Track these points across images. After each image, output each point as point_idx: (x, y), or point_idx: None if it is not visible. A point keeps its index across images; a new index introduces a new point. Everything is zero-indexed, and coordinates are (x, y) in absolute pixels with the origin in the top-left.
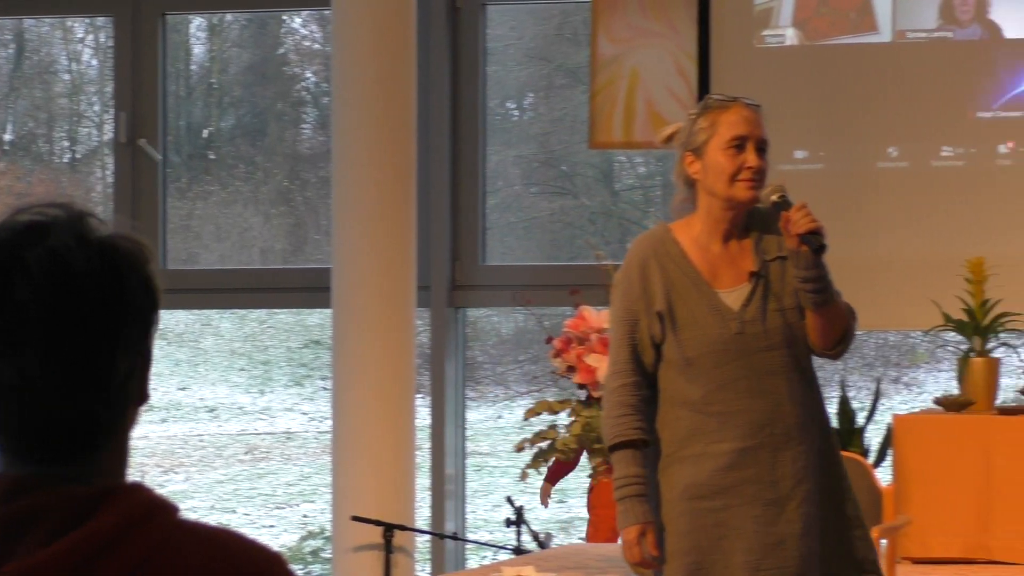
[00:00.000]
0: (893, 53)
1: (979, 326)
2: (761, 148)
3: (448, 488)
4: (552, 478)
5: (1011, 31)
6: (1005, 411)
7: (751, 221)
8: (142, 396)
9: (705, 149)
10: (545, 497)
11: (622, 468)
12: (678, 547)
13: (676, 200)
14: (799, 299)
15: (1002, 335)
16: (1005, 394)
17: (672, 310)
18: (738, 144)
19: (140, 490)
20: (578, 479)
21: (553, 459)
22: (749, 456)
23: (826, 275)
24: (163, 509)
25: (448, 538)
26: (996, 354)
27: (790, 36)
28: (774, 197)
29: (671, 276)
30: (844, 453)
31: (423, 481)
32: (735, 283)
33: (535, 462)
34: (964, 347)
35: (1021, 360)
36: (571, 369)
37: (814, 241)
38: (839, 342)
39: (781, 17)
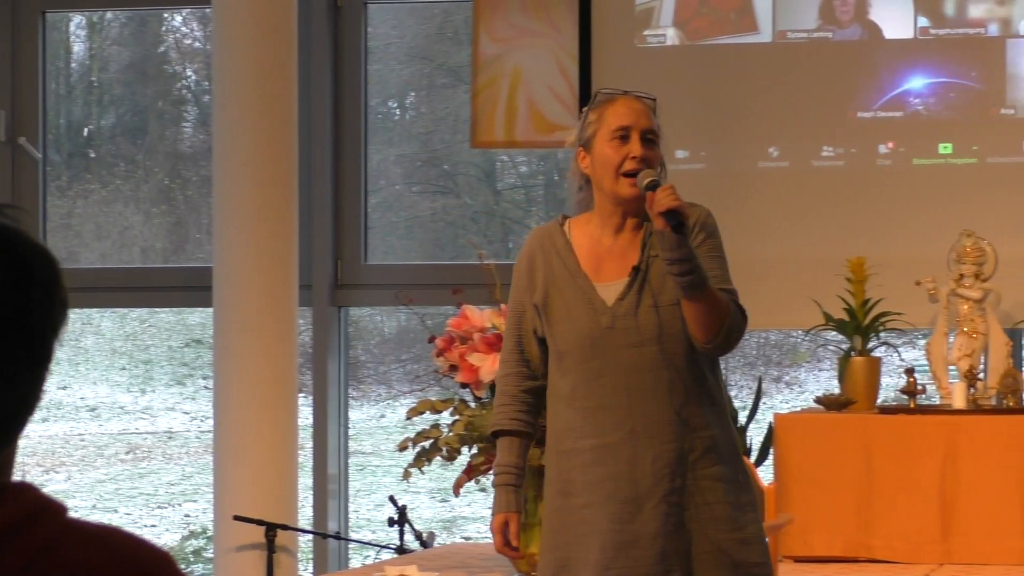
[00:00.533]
0: (774, 53)
1: (860, 325)
2: (648, 139)
3: (331, 487)
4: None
5: (891, 31)
6: (886, 410)
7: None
8: (39, 399)
9: (593, 143)
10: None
11: (498, 456)
12: (548, 543)
13: (574, 199)
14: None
15: (883, 334)
16: (886, 393)
17: (548, 303)
18: (622, 135)
19: (27, 490)
20: None
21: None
22: (609, 453)
23: (692, 258)
24: (51, 509)
25: (331, 537)
26: (877, 353)
27: (671, 36)
28: (646, 180)
29: (553, 268)
30: None
31: (305, 480)
32: (616, 277)
33: (418, 461)
34: (845, 346)
35: (902, 359)
36: (454, 368)
37: (673, 218)
38: (716, 335)
39: (662, 17)
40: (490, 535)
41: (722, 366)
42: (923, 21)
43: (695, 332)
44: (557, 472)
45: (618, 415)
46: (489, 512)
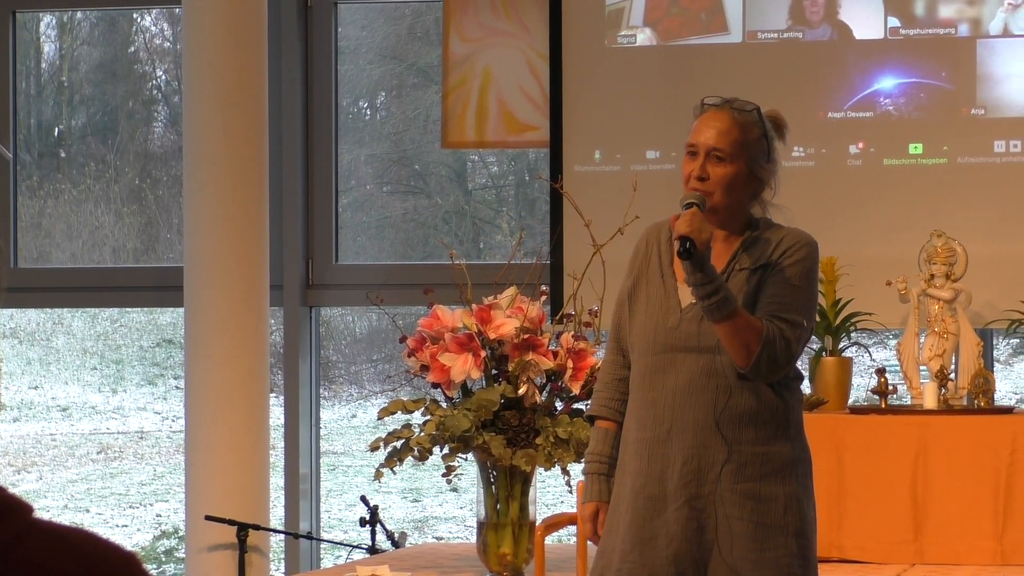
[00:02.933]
0: (744, 53)
1: (831, 326)
2: (717, 157)
3: (302, 487)
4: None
5: (860, 32)
6: (857, 411)
7: (756, 228)
8: None
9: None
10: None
11: (592, 443)
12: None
13: None
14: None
15: (854, 335)
16: (857, 393)
17: (634, 293)
18: (692, 151)
19: None
20: (432, 479)
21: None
22: (646, 448)
23: (709, 283)
24: (16, 509)
25: (303, 537)
26: (848, 354)
27: (641, 36)
28: (685, 200)
29: (651, 261)
30: None
31: (277, 480)
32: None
33: (389, 461)
34: (816, 347)
35: (873, 360)
36: (425, 368)
37: (681, 244)
38: (747, 363)
39: (632, 17)
40: (461, 535)
41: None
42: (893, 21)
43: (729, 354)
44: (620, 458)
45: (660, 413)
46: (461, 512)
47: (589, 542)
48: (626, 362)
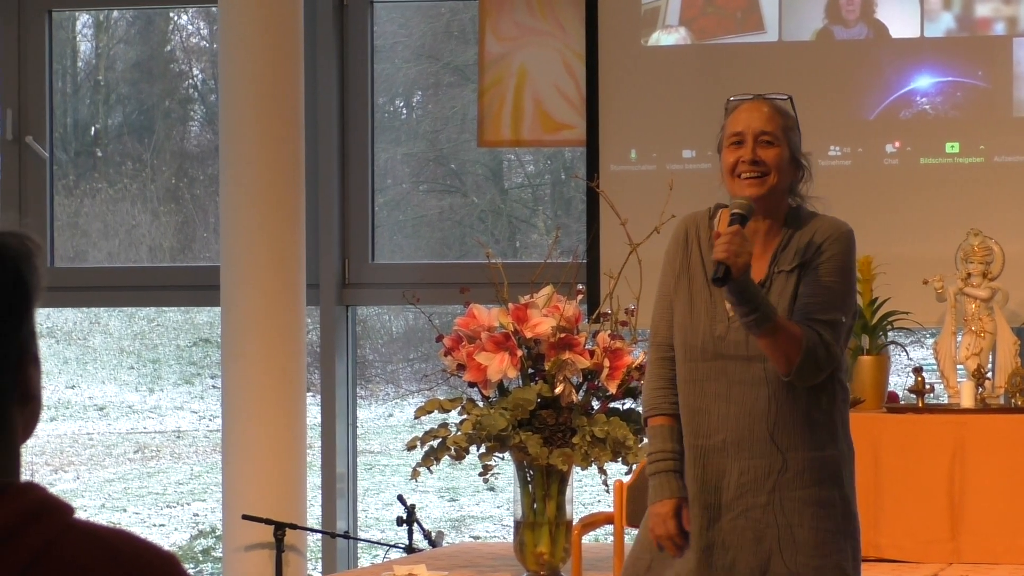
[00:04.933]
0: (780, 52)
1: (868, 325)
2: (766, 141)
3: (339, 487)
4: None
5: (897, 31)
6: (894, 409)
7: (793, 223)
8: (25, 395)
9: (721, 149)
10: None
11: (655, 442)
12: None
13: None
14: (795, 313)
15: (891, 333)
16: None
17: (678, 291)
18: (737, 140)
19: (33, 489)
20: (469, 478)
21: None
22: (702, 456)
23: (747, 303)
24: (56, 509)
25: (339, 537)
26: (884, 353)
27: (677, 35)
28: (733, 211)
29: (691, 258)
30: None
31: (314, 480)
32: None
33: (426, 460)
34: (853, 346)
35: (910, 359)
36: (461, 367)
37: (717, 271)
38: (788, 371)
39: (668, 16)
40: (498, 534)
41: None
42: (929, 20)
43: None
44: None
45: (714, 422)
46: (498, 511)
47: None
48: (675, 357)
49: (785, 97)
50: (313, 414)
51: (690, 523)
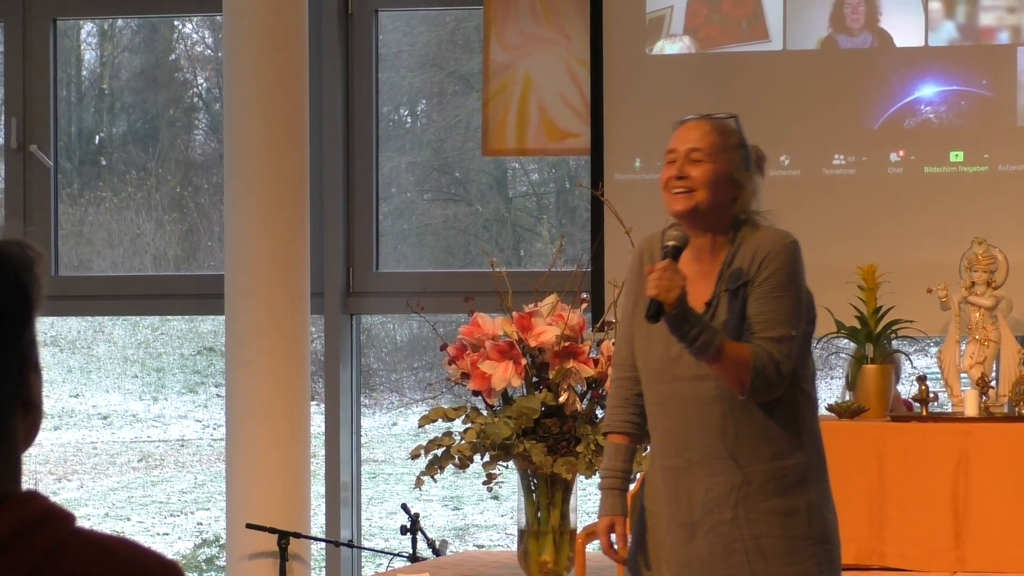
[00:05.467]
0: (784, 61)
1: (871, 333)
2: (694, 159)
3: (343, 495)
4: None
5: (901, 39)
6: (898, 418)
7: (738, 239)
8: (27, 404)
9: None
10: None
11: (605, 459)
12: (632, 537)
13: None
14: (744, 332)
15: (895, 342)
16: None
17: (636, 313)
18: (671, 158)
19: (35, 498)
20: (473, 487)
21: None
22: (671, 475)
23: (686, 334)
24: (58, 517)
25: (343, 545)
26: (888, 361)
27: (682, 44)
28: (665, 243)
29: (645, 280)
30: None
31: (318, 488)
32: (693, 306)
33: (430, 469)
34: (857, 354)
35: (914, 367)
36: (466, 376)
37: (649, 308)
38: (742, 390)
39: (673, 25)
40: (502, 543)
41: None
42: (933, 29)
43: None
44: (650, 479)
45: (678, 442)
46: (502, 519)
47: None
48: (637, 378)
49: (729, 116)
50: (317, 423)
51: (671, 542)
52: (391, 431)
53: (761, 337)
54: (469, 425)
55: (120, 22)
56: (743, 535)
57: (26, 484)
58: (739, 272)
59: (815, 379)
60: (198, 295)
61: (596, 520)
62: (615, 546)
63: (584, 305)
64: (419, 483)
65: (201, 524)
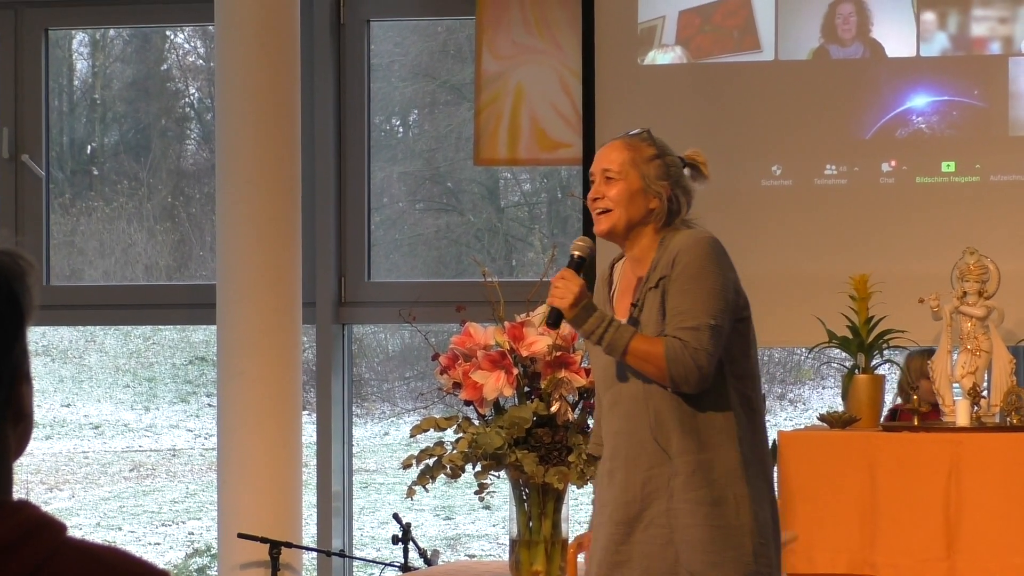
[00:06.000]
0: (776, 71)
1: (863, 343)
2: (608, 178)
3: (335, 505)
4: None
5: (893, 50)
6: (889, 428)
7: (666, 244)
8: (18, 414)
9: None
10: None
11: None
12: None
13: None
14: (663, 327)
15: (886, 352)
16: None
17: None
18: (591, 180)
19: (26, 508)
20: (464, 496)
21: None
22: (611, 476)
23: (591, 335)
24: (49, 527)
25: (335, 555)
26: (880, 371)
27: (674, 54)
28: (571, 252)
29: (600, 301)
30: None
31: (309, 498)
32: (623, 313)
33: (422, 479)
34: (848, 364)
35: None
36: (457, 386)
37: (549, 316)
38: (665, 382)
39: (665, 35)
40: (493, 553)
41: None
42: (925, 39)
43: None
44: (597, 489)
45: (618, 442)
46: (493, 529)
47: None
48: None
49: (642, 131)
50: (309, 432)
51: (605, 543)
52: (383, 441)
53: (674, 328)
54: (461, 435)
55: (112, 32)
56: (673, 525)
57: (17, 494)
58: (659, 272)
59: (758, 384)
60: (190, 305)
61: (587, 530)
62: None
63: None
64: (411, 493)
65: (192, 534)
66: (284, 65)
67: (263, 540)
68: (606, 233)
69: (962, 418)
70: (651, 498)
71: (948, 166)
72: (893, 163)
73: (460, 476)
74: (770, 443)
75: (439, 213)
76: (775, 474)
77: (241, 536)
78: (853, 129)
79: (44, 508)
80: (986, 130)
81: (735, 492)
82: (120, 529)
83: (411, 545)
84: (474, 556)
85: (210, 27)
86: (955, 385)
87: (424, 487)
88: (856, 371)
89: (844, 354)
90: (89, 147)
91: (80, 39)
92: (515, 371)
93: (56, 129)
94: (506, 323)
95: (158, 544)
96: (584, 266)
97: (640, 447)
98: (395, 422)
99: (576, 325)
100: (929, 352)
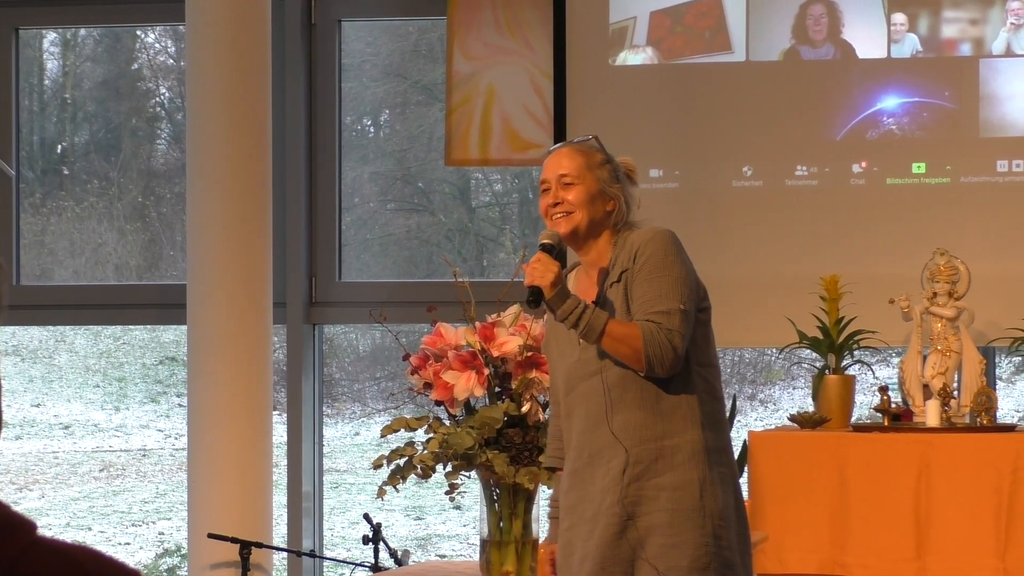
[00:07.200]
0: (747, 72)
1: (834, 344)
2: (566, 183)
3: (305, 505)
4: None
5: (864, 51)
6: (859, 428)
7: (621, 244)
8: None
9: None
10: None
11: (553, 490)
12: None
13: None
14: (629, 318)
15: (857, 353)
16: (860, 411)
17: (548, 339)
18: (545, 188)
19: None
20: (435, 497)
21: None
22: (577, 477)
23: (569, 315)
24: (19, 526)
25: (305, 555)
26: (851, 371)
27: (645, 55)
28: (541, 241)
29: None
30: None
31: (280, 498)
32: None
33: (392, 479)
34: (819, 364)
35: (876, 378)
36: (428, 386)
37: (528, 295)
38: (640, 366)
39: (636, 36)
40: (464, 553)
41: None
42: (896, 41)
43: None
44: (563, 497)
45: (581, 441)
46: (464, 529)
47: None
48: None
49: (589, 137)
50: (279, 433)
51: (563, 543)
52: (353, 441)
53: (645, 313)
54: (431, 435)
55: (83, 31)
56: (635, 512)
57: None
58: (620, 266)
59: (720, 373)
60: (160, 305)
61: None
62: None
63: (546, 315)
64: (381, 493)
65: (163, 534)
66: (255, 65)
67: (233, 540)
68: (568, 234)
69: (932, 419)
70: (612, 489)
71: (919, 167)
72: (864, 164)
73: (431, 476)
74: (737, 440)
75: (410, 213)
76: (745, 474)
77: (211, 536)
78: (824, 130)
79: (14, 508)
80: (957, 131)
81: (698, 476)
82: (90, 529)
83: (382, 545)
84: (445, 556)
85: (181, 27)
86: (925, 385)
87: (395, 487)
88: (827, 372)
89: (815, 354)
90: (60, 147)
91: (51, 38)
92: (486, 371)
93: (27, 128)
94: (477, 323)
95: (128, 544)
96: (555, 253)
97: (601, 442)
98: (366, 422)
99: (554, 306)
100: None
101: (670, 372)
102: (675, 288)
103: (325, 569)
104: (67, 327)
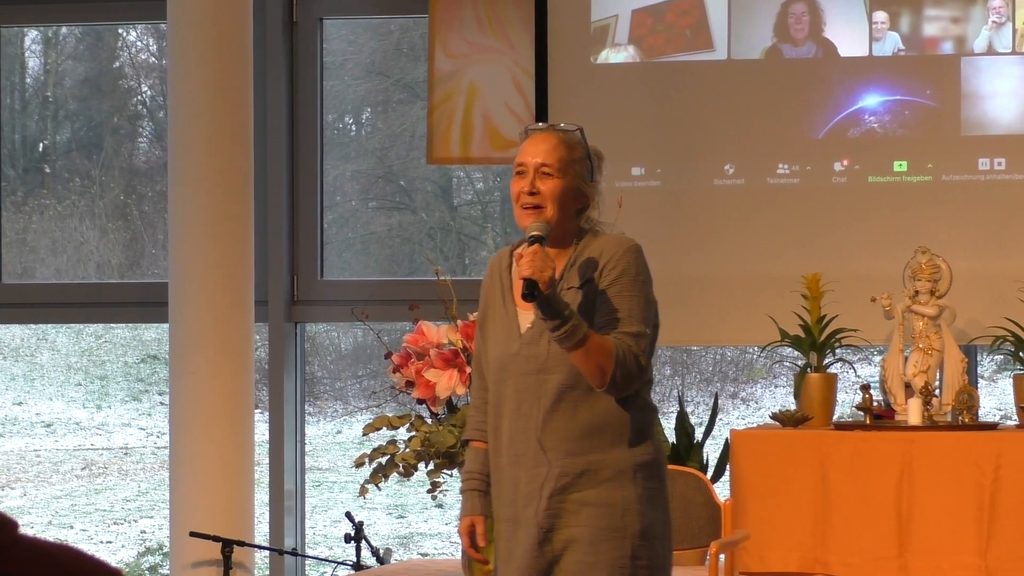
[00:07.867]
0: (729, 71)
1: (815, 342)
2: (544, 173)
3: (287, 503)
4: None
5: (845, 49)
6: (841, 426)
7: (583, 246)
8: None
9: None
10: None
11: (467, 463)
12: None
13: None
14: (598, 330)
15: (838, 351)
16: (842, 409)
17: (484, 323)
18: (521, 171)
19: None
20: (417, 495)
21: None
22: (502, 472)
23: (556, 317)
24: (1, 525)
25: (287, 554)
26: (833, 370)
27: (627, 53)
28: (531, 233)
29: (494, 289)
30: (682, 468)
31: (262, 497)
32: (526, 307)
33: (374, 477)
34: (801, 363)
35: (857, 376)
36: (410, 384)
37: (526, 287)
38: (604, 382)
39: (618, 34)
40: (446, 551)
41: (678, 382)
42: (877, 39)
43: (585, 377)
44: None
45: (508, 437)
46: (446, 528)
47: None
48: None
49: (575, 128)
50: (261, 431)
51: (501, 541)
52: (335, 439)
53: (620, 331)
54: (413, 433)
55: (64, 30)
56: (555, 525)
57: None
58: (584, 271)
59: (651, 388)
60: (142, 303)
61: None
62: (476, 545)
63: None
64: (363, 491)
65: (144, 532)
66: (237, 63)
67: (215, 539)
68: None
69: (914, 417)
70: (533, 496)
71: (900, 165)
72: (845, 162)
73: (413, 474)
74: (719, 438)
75: (392, 211)
76: (727, 473)
77: (193, 534)
78: (805, 128)
79: None
80: (938, 130)
81: (621, 496)
82: (72, 527)
83: (364, 543)
84: (427, 555)
85: (162, 25)
86: (907, 384)
87: (377, 485)
88: (808, 370)
89: (796, 353)
90: (41, 145)
91: (32, 36)
92: (468, 369)
93: (8, 127)
94: (459, 321)
95: (110, 542)
96: (544, 244)
97: (528, 445)
98: (348, 420)
99: (547, 303)
100: None
101: (625, 394)
102: (645, 310)
103: (307, 567)
104: (49, 325)
